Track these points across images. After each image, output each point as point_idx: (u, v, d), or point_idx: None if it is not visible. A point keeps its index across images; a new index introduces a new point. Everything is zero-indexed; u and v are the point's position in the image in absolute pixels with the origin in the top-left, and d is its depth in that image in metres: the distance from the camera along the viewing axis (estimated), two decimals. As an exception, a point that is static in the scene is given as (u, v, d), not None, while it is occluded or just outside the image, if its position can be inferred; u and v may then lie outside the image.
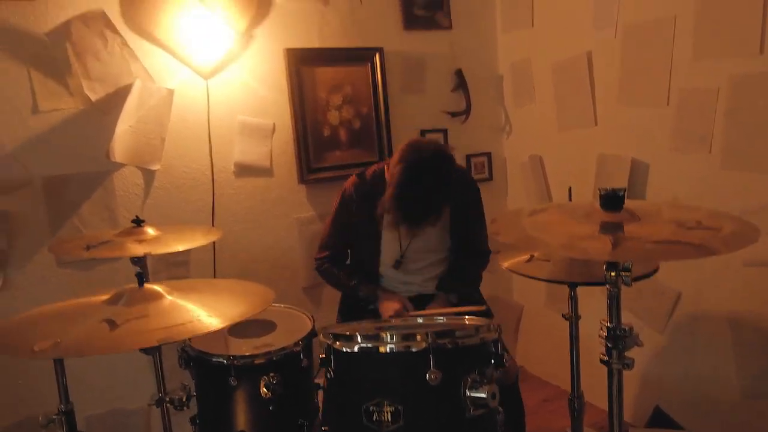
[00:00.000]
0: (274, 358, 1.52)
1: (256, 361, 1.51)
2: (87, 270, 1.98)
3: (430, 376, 0.92)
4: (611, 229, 0.93)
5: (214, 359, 1.52)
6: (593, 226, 0.94)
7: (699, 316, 1.97)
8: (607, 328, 0.96)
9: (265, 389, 1.49)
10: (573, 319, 1.45)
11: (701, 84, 1.84)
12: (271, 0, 2.18)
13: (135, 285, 1.10)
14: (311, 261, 2.07)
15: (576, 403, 1.58)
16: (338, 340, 1.04)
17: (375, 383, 0.98)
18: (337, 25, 2.31)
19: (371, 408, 0.94)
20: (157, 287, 1.12)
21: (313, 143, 2.30)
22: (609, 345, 0.94)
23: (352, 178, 1.86)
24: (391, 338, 0.97)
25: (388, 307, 1.64)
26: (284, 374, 1.51)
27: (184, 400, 1.56)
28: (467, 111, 2.60)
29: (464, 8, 2.56)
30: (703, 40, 1.81)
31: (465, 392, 0.94)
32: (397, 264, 1.74)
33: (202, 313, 1.04)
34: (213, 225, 2.15)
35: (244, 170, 2.20)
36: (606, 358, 0.96)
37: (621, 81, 2.11)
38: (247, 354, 1.51)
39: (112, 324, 0.93)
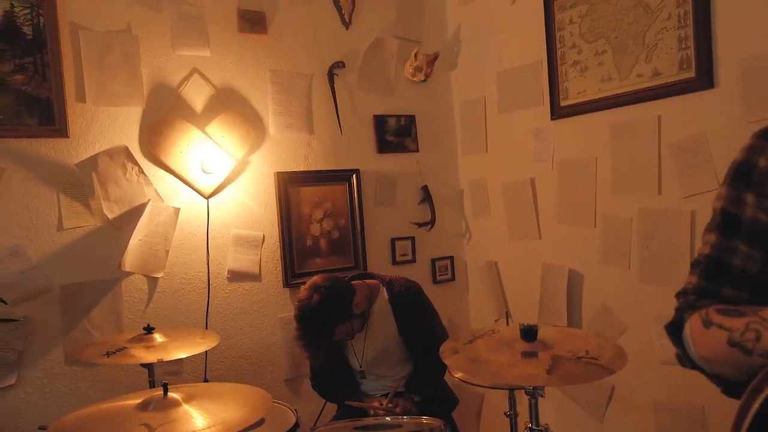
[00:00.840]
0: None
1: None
2: (91, 368, 2.21)
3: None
4: (529, 355, 1.26)
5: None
6: (515, 354, 1.27)
7: (629, 405, 2.28)
8: (529, 427, 1.27)
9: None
10: (512, 416, 1.75)
11: (619, 213, 2.26)
12: (265, 132, 2.58)
13: (160, 393, 1.37)
14: (293, 356, 2.35)
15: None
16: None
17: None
18: (321, 152, 2.71)
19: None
20: (176, 395, 1.39)
21: (297, 251, 2.63)
22: (529, 439, 1.25)
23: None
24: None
25: (374, 404, 1.93)
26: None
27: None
28: (432, 221, 2.98)
29: (429, 135, 3.01)
30: (618, 179, 2.25)
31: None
32: (361, 375, 2.04)
33: (216, 418, 1.31)
34: (206, 326, 2.41)
35: (236, 276, 2.50)
36: (528, 451, 1.27)
37: (558, 204, 2.53)
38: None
39: (150, 428, 1.19)
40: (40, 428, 1.85)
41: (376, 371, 2.06)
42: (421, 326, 2.09)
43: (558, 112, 2.48)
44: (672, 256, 2.08)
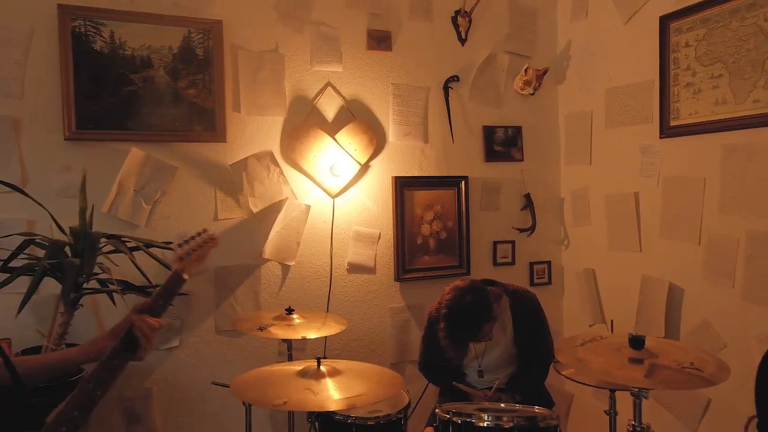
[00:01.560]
0: (382, 422, 2.06)
1: (369, 422, 2.05)
2: (235, 338, 2.60)
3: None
4: (636, 361, 1.44)
5: (338, 417, 2.06)
6: (623, 358, 1.45)
7: (724, 420, 2.36)
8: (632, 424, 1.45)
9: (373, 446, 2.03)
10: (612, 414, 1.91)
11: (725, 232, 2.33)
12: (385, 140, 2.86)
13: (314, 364, 1.68)
14: (399, 342, 2.63)
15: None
16: (455, 416, 1.57)
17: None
18: (434, 159, 2.96)
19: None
20: (323, 368, 1.69)
21: (408, 249, 2.90)
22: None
23: (435, 304, 2.40)
24: (493, 418, 1.50)
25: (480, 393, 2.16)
26: (389, 434, 2.05)
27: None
28: (533, 227, 3.15)
29: (534, 145, 3.17)
30: (727, 199, 2.32)
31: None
32: (480, 374, 2.26)
33: (359, 390, 1.60)
34: (327, 310, 2.74)
35: (354, 268, 2.81)
36: (631, 445, 1.45)
37: (662, 219, 2.62)
38: (366, 416, 2.05)
39: (312, 392, 1.50)
40: (213, 383, 2.25)
41: (491, 372, 2.28)
42: (535, 335, 2.27)
43: (667, 131, 2.56)
44: (779, 279, 2.14)
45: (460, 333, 2.06)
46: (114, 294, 2.16)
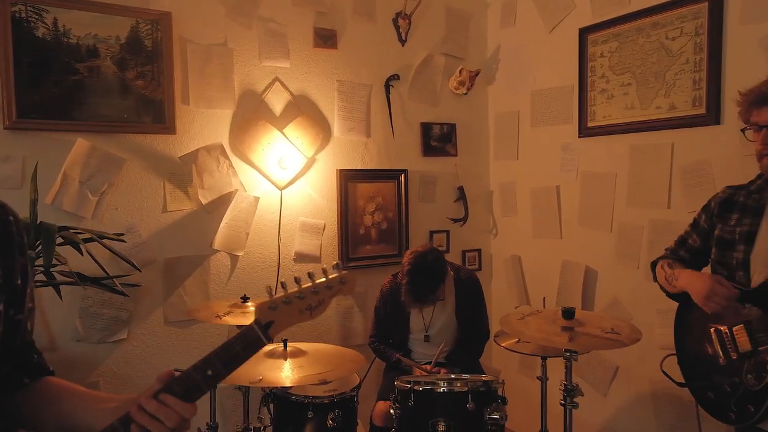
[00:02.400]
0: (336, 399, 2.20)
1: (326, 401, 2.19)
2: (184, 329, 2.64)
3: (468, 406, 1.63)
4: (567, 329, 1.68)
5: (295, 398, 2.18)
6: (557, 327, 1.69)
7: (630, 383, 2.72)
8: (564, 384, 1.70)
9: (330, 421, 2.16)
10: (543, 380, 2.18)
11: (632, 221, 2.68)
12: (330, 135, 2.98)
13: (280, 346, 1.79)
14: (343, 328, 2.79)
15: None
16: (416, 385, 1.75)
17: (437, 409, 1.68)
18: (375, 153, 3.12)
19: (435, 423, 1.64)
20: (290, 348, 1.82)
21: (352, 239, 3.05)
22: (565, 394, 1.68)
23: (388, 278, 2.60)
24: (447, 384, 1.69)
25: (419, 371, 2.35)
26: (343, 411, 2.19)
27: (262, 429, 2.23)
28: (465, 217, 3.40)
29: (467, 141, 3.41)
30: (634, 193, 2.67)
31: (486, 415, 1.65)
32: (426, 338, 2.48)
33: (325, 367, 1.73)
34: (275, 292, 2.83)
35: (300, 257, 2.92)
36: (563, 402, 1.70)
37: (579, 209, 2.95)
38: (322, 395, 2.18)
39: (286, 371, 1.62)
40: (175, 370, 2.27)
41: (435, 339, 2.49)
42: (474, 311, 2.52)
43: (585, 131, 2.88)
44: (675, 260, 2.50)
45: (423, 287, 2.28)
46: (62, 287, 2.14)
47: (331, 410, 2.15)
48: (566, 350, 1.68)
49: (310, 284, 0.98)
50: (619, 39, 2.70)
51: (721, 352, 1.57)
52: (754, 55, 2.21)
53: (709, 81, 2.34)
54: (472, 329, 2.53)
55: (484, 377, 1.75)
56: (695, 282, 1.62)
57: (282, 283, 0.99)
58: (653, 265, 1.91)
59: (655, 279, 1.89)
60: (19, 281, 0.90)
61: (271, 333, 0.95)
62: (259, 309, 0.94)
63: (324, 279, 0.99)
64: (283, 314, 0.96)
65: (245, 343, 0.93)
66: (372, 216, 3.11)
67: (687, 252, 1.84)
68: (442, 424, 1.62)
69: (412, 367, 2.44)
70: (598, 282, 2.86)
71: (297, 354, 1.80)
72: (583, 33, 2.86)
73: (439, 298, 2.46)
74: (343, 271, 1.00)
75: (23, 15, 2.24)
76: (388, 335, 2.59)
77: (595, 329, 1.70)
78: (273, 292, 0.96)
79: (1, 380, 0.93)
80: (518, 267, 3.32)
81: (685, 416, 2.49)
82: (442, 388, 1.69)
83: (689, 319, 1.71)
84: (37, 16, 2.26)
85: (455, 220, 3.38)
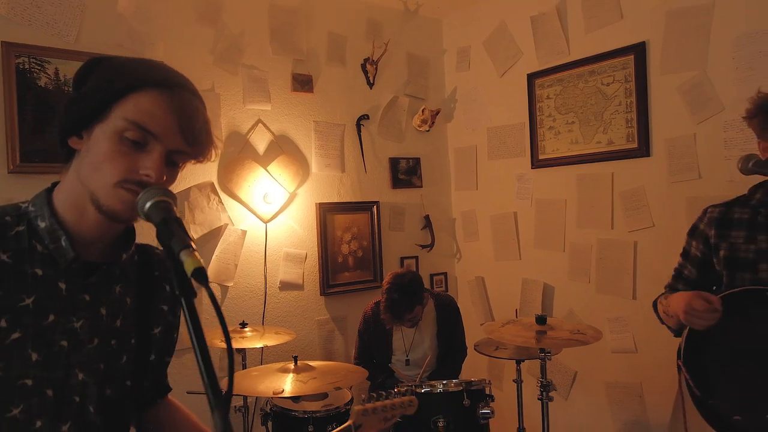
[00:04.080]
0: (332, 413, 2.40)
1: (324, 415, 2.37)
2: (180, 357, 2.75)
3: (465, 402, 1.88)
4: (541, 333, 1.99)
5: (294, 413, 2.36)
6: (532, 332, 1.99)
7: (588, 385, 3.06)
8: (540, 380, 1.99)
9: (329, 434, 2.36)
10: (518, 382, 2.47)
11: (582, 241, 3.06)
12: (309, 171, 3.22)
13: (292, 363, 1.99)
14: (326, 351, 2.98)
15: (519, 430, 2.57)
16: (416, 387, 1.98)
17: (436, 408, 1.92)
18: (350, 186, 3.38)
19: (435, 420, 1.88)
20: (300, 364, 2.02)
21: (331, 267, 3.27)
22: (541, 389, 1.96)
23: (370, 304, 2.83)
24: (442, 386, 1.95)
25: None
26: (340, 423, 2.38)
27: (263, 448, 2.39)
28: (432, 244, 3.70)
29: (430, 173, 3.74)
30: (582, 217, 3.05)
31: (479, 410, 1.91)
32: (407, 362, 2.72)
33: (334, 379, 1.94)
34: (263, 324, 3.00)
35: (285, 286, 3.11)
36: (540, 396, 1.99)
37: (535, 233, 3.31)
38: (319, 410, 2.37)
39: (303, 382, 1.82)
40: (188, 393, 2.39)
41: (415, 362, 2.73)
42: (453, 333, 2.78)
43: (537, 163, 3.27)
44: (620, 274, 2.88)
45: (400, 303, 2.51)
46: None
47: (329, 423, 2.34)
48: (540, 350, 1.98)
49: (390, 401, 1.33)
50: (562, 83, 3.12)
51: None
52: (673, 98, 2.66)
53: (638, 120, 2.77)
54: (451, 348, 2.79)
55: (473, 379, 2.01)
56: (677, 301, 1.55)
57: (371, 395, 1.34)
58: (654, 304, 1.81)
59: (660, 320, 1.77)
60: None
61: None
62: (355, 414, 1.27)
63: (400, 400, 1.36)
64: (371, 420, 1.30)
65: None
66: (348, 245, 3.35)
67: (685, 284, 1.74)
68: (442, 420, 1.86)
69: (396, 384, 2.66)
70: (555, 296, 3.21)
71: (306, 369, 2.00)
72: (531, 78, 3.27)
73: (417, 318, 2.69)
74: (413, 397, 1.35)
75: (27, 66, 2.38)
76: (371, 357, 2.80)
77: (564, 332, 2.01)
78: (364, 401, 1.28)
79: (143, 394, 1.06)
80: (482, 287, 3.64)
81: (635, 412, 2.84)
82: (439, 389, 1.93)
83: (713, 340, 1.53)
84: (39, 68, 2.41)
85: (423, 246, 3.67)
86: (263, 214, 3.02)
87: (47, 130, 2.42)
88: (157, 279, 1.05)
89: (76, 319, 0.90)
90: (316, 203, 3.22)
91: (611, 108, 2.89)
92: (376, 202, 3.45)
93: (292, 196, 3.15)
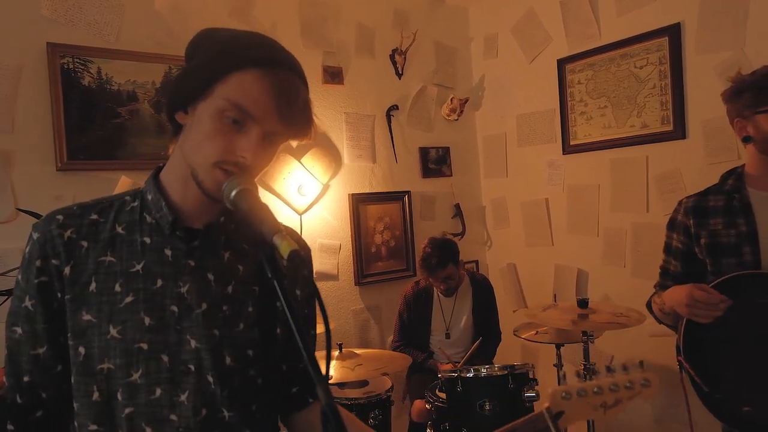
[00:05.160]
0: (374, 400, 2.45)
1: (366, 402, 2.42)
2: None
3: (510, 386, 1.91)
4: (583, 317, 2.00)
5: (338, 400, 2.41)
6: (574, 316, 2.00)
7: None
8: (584, 364, 2.01)
9: (372, 420, 2.40)
10: (559, 366, 2.49)
11: (616, 226, 3.05)
12: (341, 162, 3.26)
13: (336, 350, 2.04)
14: (362, 340, 3.03)
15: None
16: (462, 372, 2.02)
17: (482, 391, 1.95)
18: (381, 177, 3.41)
19: (482, 404, 1.91)
20: (345, 351, 2.06)
21: (365, 257, 3.31)
22: (584, 372, 1.98)
23: (411, 284, 2.88)
24: (486, 370, 1.97)
25: (444, 367, 2.62)
26: (381, 410, 2.44)
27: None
28: (463, 232, 3.72)
29: (460, 162, 3.75)
30: (616, 201, 3.04)
31: (524, 393, 1.94)
32: (447, 335, 2.77)
33: (380, 364, 1.98)
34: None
35: (320, 276, 3.16)
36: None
37: (568, 218, 3.31)
38: (361, 397, 2.42)
39: (350, 369, 1.87)
40: None
41: (455, 337, 2.79)
42: (489, 312, 2.83)
43: (568, 149, 3.26)
44: (656, 257, 2.84)
45: (432, 256, 2.67)
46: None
47: (371, 410, 2.39)
48: (583, 333, 1.99)
49: (610, 380, 0.91)
50: (593, 68, 3.10)
51: None
52: (710, 79, 2.63)
53: (674, 103, 2.74)
54: (486, 331, 2.82)
55: (516, 364, 2.03)
56: (675, 295, 1.55)
57: (578, 372, 0.97)
58: (648, 305, 1.82)
59: (656, 318, 1.80)
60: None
61: (561, 424, 0.90)
62: (553, 396, 0.90)
63: (626, 377, 0.92)
64: (576, 406, 0.90)
65: (535, 427, 0.91)
66: (381, 235, 3.39)
67: (674, 281, 1.73)
68: (488, 403, 1.89)
69: (436, 365, 2.71)
70: (590, 281, 3.21)
71: (351, 356, 2.04)
72: (561, 63, 3.25)
73: (452, 281, 2.77)
74: (649, 373, 0.92)
75: (71, 66, 2.45)
76: (411, 338, 2.85)
77: (608, 315, 2.02)
78: (566, 379, 0.91)
79: (292, 400, 1.07)
80: (514, 274, 3.65)
81: (674, 397, 2.84)
82: (483, 373, 1.96)
83: (712, 331, 1.50)
84: (83, 67, 2.48)
85: (454, 235, 3.68)
86: (298, 206, 3.07)
87: (91, 128, 2.49)
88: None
89: (182, 284, 0.93)
90: (348, 194, 3.26)
91: (645, 91, 2.86)
92: (408, 192, 3.48)
93: (326, 188, 3.19)
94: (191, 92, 0.90)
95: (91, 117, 2.49)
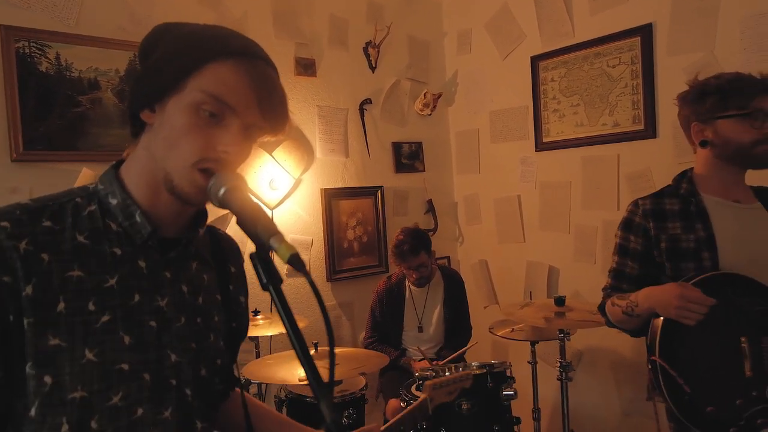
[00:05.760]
0: (348, 399, 2.40)
1: (339, 401, 2.38)
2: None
3: (488, 384, 1.90)
4: (559, 315, 2.00)
5: (309, 399, 2.36)
6: (551, 313, 2.00)
7: (594, 365, 3.10)
8: (560, 362, 2.01)
9: (345, 419, 2.36)
10: (533, 362, 2.50)
11: (587, 223, 3.08)
12: (313, 156, 3.19)
13: (312, 349, 1.98)
14: (335, 339, 2.99)
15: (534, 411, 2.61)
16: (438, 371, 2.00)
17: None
18: (354, 171, 3.36)
19: (460, 403, 1.89)
20: (321, 350, 2.01)
21: (337, 252, 3.26)
22: (561, 370, 1.98)
23: (383, 279, 2.85)
24: (464, 369, 1.96)
25: (418, 365, 2.60)
26: (356, 409, 2.40)
27: None
28: (435, 228, 3.70)
29: (432, 157, 3.73)
30: (587, 198, 3.07)
31: (502, 391, 1.93)
32: (420, 329, 2.75)
33: (356, 363, 1.94)
34: (271, 311, 2.98)
35: (292, 272, 3.08)
36: (560, 377, 2.01)
37: (540, 215, 3.33)
38: (336, 396, 2.37)
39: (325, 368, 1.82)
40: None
41: (427, 329, 2.78)
42: (459, 306, 2.82)
43: (541, 146, 3.27)
44: (626, 254, 2.91)
45: (404, 242, 2.69)
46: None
47: (345, 409, 2.35)
48: (559, 330, 2.00)
49: (453, 376, 1.54)
50: (567, 66, 3.11)
51: (750, 365, 1.45)
52: (680, 80, 2.65)
53: (645, 102, 2.78)
54: (457, 324, 2.82)
55: (494, 361, 2.02)
56: (657, 295, 1.50)
57: (435, 371, 1.61)
58: (601, 309, 1.76)
59: (609, 323, 1.73)
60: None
61: (431, 406, 1.46)
62: (428, 388, 1.46)
63: (460, 374, 1.56)
64: (438, 394, 1.48)
65: (422, 412, 1.44)
66: (354, 230, 3.34)
67: (630, 284, 1.68)
68: (466, 403, 1.87)
69: (409, 363, 2.68)
70: (561, 278, 3.24)
71: (325, 355, 1.99)
72: (535, 60, 3.26)
73: (424, 270, 2.78)
74: (470, 371, 1.60)
75: (27, 51, 2.30)
76: (383, 334, 2.82)
77: (584, 313, 2.03)
78: (431, 376, 1.55)
79: (221, 394, 1.05)
80: (486, 270, 3.66)
81: (642, 391, 2.89)
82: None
83: (689, 331, 1.48)
84: (40, 52, 2.33)
85: (427, 231, 3.66)
86: (269, 201, 2.98)
87: (49, 116, 2.35)
88: (226, 258, 1.05)
89: (160, 298, 0.88)
90: (321, 189, 3.20)
91: (617, 90, 2.89)
92: (380, 187, 3.44)
93: (298, 182, 3.11)
94: (160, 87, 0.83)
95: (49, 105, 2.35)
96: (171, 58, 0.83)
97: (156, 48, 0.86)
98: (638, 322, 1.62)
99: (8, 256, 0.76)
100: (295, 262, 0.70)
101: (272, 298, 0.73)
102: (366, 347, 2.83)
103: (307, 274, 0.71)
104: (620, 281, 1.72)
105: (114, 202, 0.87)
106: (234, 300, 1.04)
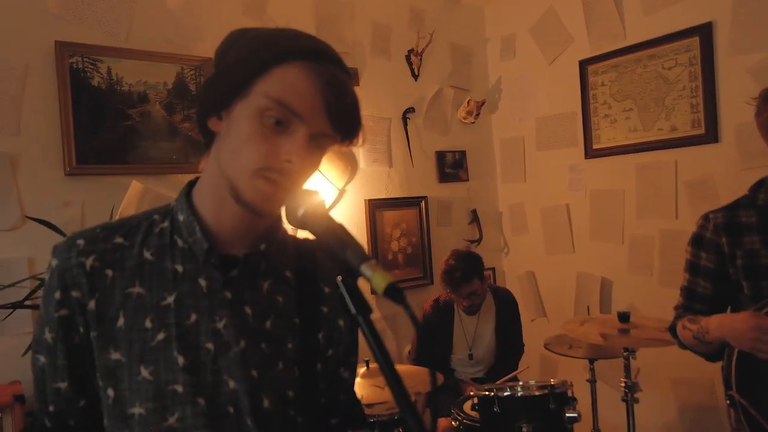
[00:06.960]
0: (396, 417, 2.33)
1: (388, 419, 2.31)
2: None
3: (551, 406, 1.80)
4: (623, 332, 1.89)
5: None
6: (614, 330, 1.89)
7: (652, 383, 2.94)
8: (624, 381, 1.90)
9: (396, 438, 2.29)
10: (592, 381, 2.38)
11: (643, 233, 2.94)
12: (357, 167, 3.15)
13: (363, 367, 1.92)
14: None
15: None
16: (498, 391, 1.90)
17: (520, 412, 1.84)
18: (398, 181, 3.30)
19: (520, 425, 1.80)
20: (373, 368, 1.94)
21: (382, 264, 3.19)
22: (626, 390, 1.86)
23: (429, 301, 2.77)
24: (523, 389, 1.86)
25: (469, 389, 2.52)
26: (404, 427, 2.32)
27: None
28: (480, 238, 3.61)
29: (476, 166, 3.64)
30: (643, 206, 2.94)
31: (564, 413, 1.82)
32: (470, 356, 2.64)
33: (411, 384, 1.87)
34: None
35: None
36: (625, 398, 1.89)
37: (591, 225, 3.20)
38: (384, 413, 2.30)
39: (380, 387, 1.75)
40: None
41: (479, 357, 2.66)
42: (513, 327, 2.71)
43: (591, 153, 3.15)
44: (686, 266, 2.76)
45: (456, 269, 2.54)
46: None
47: (395, 427, 2.28)
48: (624, 348, 1.89)
49: None
50: (617, 69, 3.00)
51: None
52: (744, 81, 2.53)
53: (705, 105, 2.64)
54: (509, 345, 2.71)
55: (553, 381, 1.92)
56: (729, 325, 1.39)
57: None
58: (672, 330, 1.67)
59: (681, 345, 1.64)
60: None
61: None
62: None
63: None
64: None
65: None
66: (398, 242, 3.28)
67: (702, 304, 1.59)
68: (526, 425, 1.78)
69: (460, 383, 2.59)
70: (614, 291, 3.10)
71: (377, 374, 1.93)
72: (583, 64, 3.16)
73: (476, 297, 2.62)
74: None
75: (80, 66, 2.33)
76: (429, 355, 2.73)
77: (652, 331, 1.91)
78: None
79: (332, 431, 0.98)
80: (533, 282, 3.54)
81: (705, 408, 2.73)
82: (520, 393, 1.85)
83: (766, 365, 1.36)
84: (92, 67, 2.36)
85: (471, 241, 3.58)
86: (313, 212, 2.95)
87: (100, 130, 2.38)
88: (317, 279, 0.95)
89: (218, 319, 0.83)
90: (365, 199, 3.15)
91: (674, 93, 2.76)
92: (424, 197, 3.37)
93: (341, 193, 3.07)
94: (226, 92, 0.79)
95: (100, 119, 2.38)
96: (238, 63, 0.79)
97: (228, 53, 0.82)
98: (711, 348, 1.51)
99: (75, 272, 0.81)
100: (393, 294, 0.63)
101: (363, 330, 0.66)
102: (412, 362, 2.75)
103: (407, 306, 0.64)
104: (692, 301, 1.62)
105: (181, 218, 0.86)
106: (327, 323, 0.93)
